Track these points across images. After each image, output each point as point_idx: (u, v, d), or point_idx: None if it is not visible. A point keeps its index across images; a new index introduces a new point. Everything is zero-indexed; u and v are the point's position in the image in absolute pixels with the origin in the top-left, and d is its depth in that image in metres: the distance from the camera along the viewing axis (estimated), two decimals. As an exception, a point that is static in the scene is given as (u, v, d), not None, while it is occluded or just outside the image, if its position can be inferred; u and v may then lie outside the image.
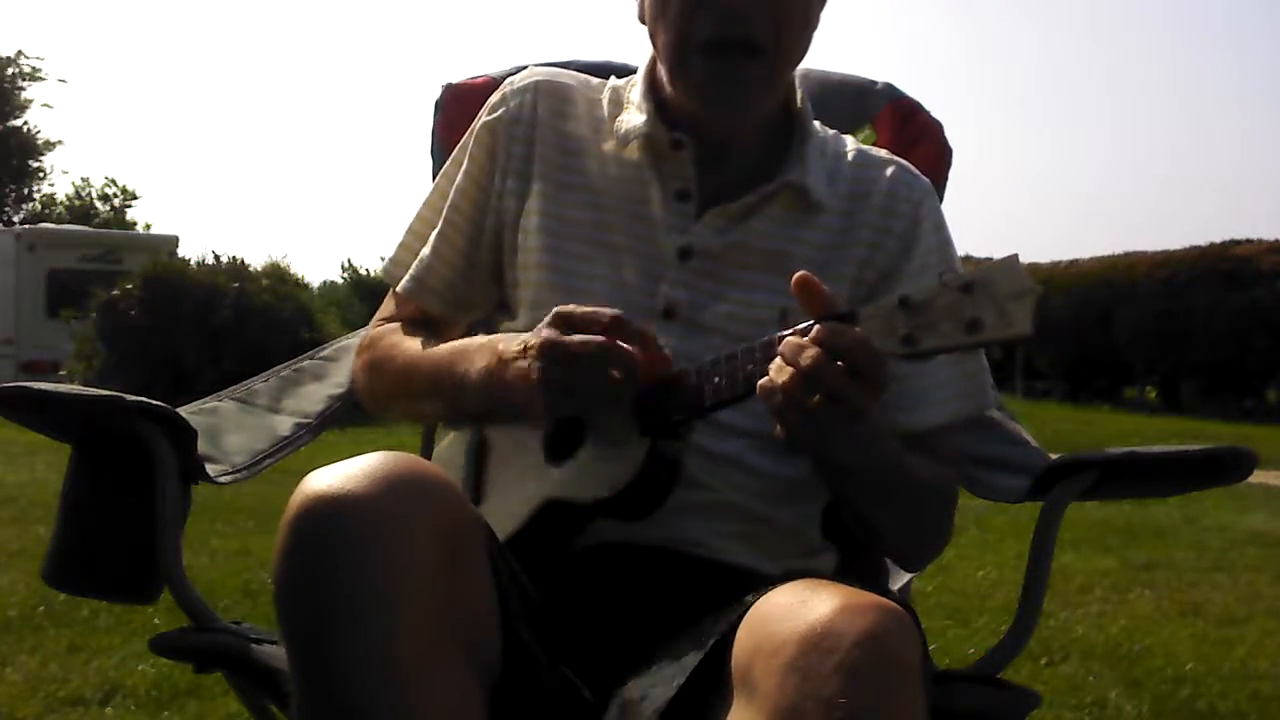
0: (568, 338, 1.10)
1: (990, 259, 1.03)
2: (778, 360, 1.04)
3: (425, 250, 1.39)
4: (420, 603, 0.96)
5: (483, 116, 1.38)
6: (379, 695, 0.93)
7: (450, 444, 1.38)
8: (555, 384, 1.10)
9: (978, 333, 0.97)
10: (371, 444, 1.03)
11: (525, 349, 1.13)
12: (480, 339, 1.24)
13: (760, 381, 1.05)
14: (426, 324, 1.39)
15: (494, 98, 1.38)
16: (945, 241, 1.34)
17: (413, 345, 1.33)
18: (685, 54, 1.24)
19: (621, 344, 1.09)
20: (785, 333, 1.06)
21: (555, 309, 1.13)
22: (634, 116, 1.32)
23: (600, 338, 1.09)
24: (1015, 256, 0.96)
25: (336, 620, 0.94)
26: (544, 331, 1.12)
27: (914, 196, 1.33)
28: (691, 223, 1.28)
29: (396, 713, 0.93)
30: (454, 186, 1.38)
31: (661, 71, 1.30)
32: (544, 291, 1.29)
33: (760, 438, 1.23)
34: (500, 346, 1.18)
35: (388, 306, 1.44)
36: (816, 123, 1.36)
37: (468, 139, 1.39)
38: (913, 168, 1.37)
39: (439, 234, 1.38)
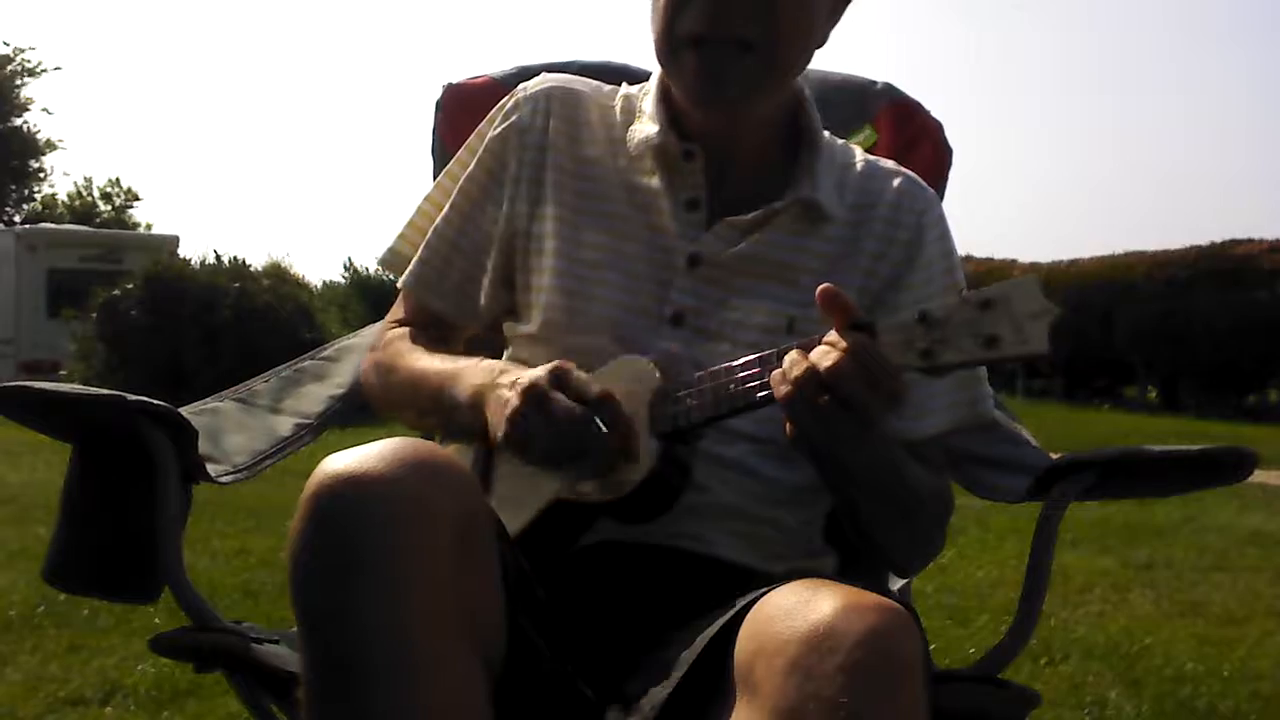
0: (554, 393, 1.11)
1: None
2: (794, 356, 1.06)
3: (423, 248, 1.39)
4: (432, 586, 0.96)
5: (494, 121, 1.38)
6: (388, 675, 0.93)
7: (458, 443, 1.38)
8: (523, 429, 1.12)
9: (995, 349, 0.97)
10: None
11: (513, 382, 1.14)
12: (480, 362, 1.25)
13: (774, 374, 1.07)
14: (435, 325, 1.40)
15: (507, 104, 1.38)
16: (949, 251, 1.35)
17: (417, 356, 1.34)
18: (674, 48, 1.24)
19: (599, 422, 1.10)
20: (800, 342, 1.07)
21: (556, 363, 1.14)
22: (646, 126, 1.32)
23: (581, 408, 1.11)
24: (1035, 278, 0.98)
25: (349, 599, 0.94)
26: (537, 376, 1.13)
27: (919, 206, 1.33)
28: (701, 232, 1.29)
29: (404, 694, 0.93)
30: (457, 187, 1.38)
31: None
32: (555, 296, 1.29)
33: (766, 443, 1.24)
34: (497, 367, 1.21)
35: (398, 308, 1.45)
36: (826, 132, 1.36)
37: (474, 140, 1.39)
38: (919, 179, 1.38)
39: (439, 234, 1.38)
